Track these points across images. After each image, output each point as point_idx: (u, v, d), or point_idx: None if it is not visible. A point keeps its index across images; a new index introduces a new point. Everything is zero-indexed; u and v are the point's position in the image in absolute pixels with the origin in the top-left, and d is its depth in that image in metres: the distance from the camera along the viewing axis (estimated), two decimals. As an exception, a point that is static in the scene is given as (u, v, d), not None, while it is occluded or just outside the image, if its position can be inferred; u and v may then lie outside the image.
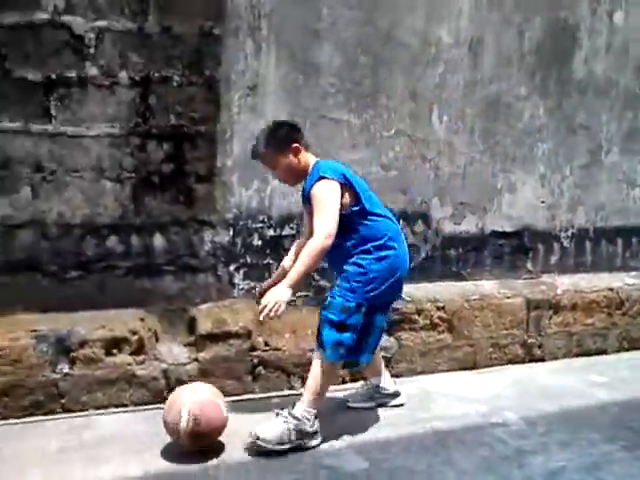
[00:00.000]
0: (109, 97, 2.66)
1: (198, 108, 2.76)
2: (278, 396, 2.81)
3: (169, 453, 2.26)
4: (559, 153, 3.65)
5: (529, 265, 3.65)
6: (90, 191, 2.71)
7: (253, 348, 2.81)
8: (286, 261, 2.54)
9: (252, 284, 2.91)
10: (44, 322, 2.63)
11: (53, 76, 2.56)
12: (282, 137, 2.36)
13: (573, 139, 3.68)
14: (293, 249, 2.55)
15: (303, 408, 2.33)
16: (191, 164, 2.77)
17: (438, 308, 3.24)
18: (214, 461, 2.23)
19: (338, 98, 3.02)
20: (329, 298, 2.35)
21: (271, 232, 2.96)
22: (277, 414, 2.34)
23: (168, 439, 2.29)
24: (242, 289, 2.91)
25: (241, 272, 2.91)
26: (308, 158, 2.40)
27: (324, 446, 2.38)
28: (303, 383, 2.84)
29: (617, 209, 3.88)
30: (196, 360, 2.71)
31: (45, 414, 2.54)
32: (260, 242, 2.94)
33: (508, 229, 3.56)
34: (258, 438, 2.25)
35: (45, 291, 2.71)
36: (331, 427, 2.48)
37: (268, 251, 2.96)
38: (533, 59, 3.50)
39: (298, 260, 2.26)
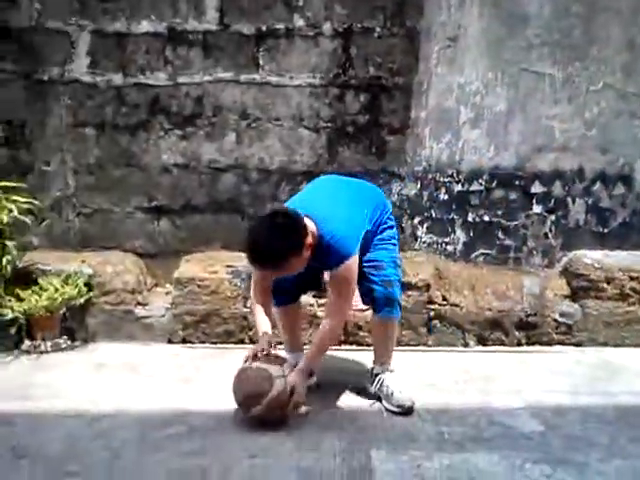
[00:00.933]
0: (312, 48, 2.80)
1: (397, 59, 2.80)
2: (452, 351, 2.90)
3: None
4: None
5: None
6: (289, 139, 2.91)
7: (431, 301, 2.90)
8: (263, 324, 2.20)
9: (435, 238, 2.97)
10: (240, 259, 2.92)
11: (264, 28, 2.74)
12: (295, 238, 1.95)
13: None
14: (260, 309, 2.21)
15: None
16: (386, 116, 2.85)
17: (631, 278, 3.07)
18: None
19: (543, 50, 2.89)
20: (379, 262, 2.19)
21: (459, 187, 2.97)
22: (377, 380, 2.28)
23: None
24: (424, 242, 2.99)
25: (424, 225, 2.98)
26: (309, 229, 2.00)
27: (498, 404, 2.44)
28: (479, 341, 2.92)
29: None
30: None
31: (235, 343, 2.87)
32: (447, 196, 2.97)
33: None
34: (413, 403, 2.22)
35: (243, 231, 3.00)
36: (507, 385, 2.52)
37: (454, 206, 2.99)
38: None
39: (316, 344, 2.13)
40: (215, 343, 2.87)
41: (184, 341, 2.87)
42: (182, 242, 3.06)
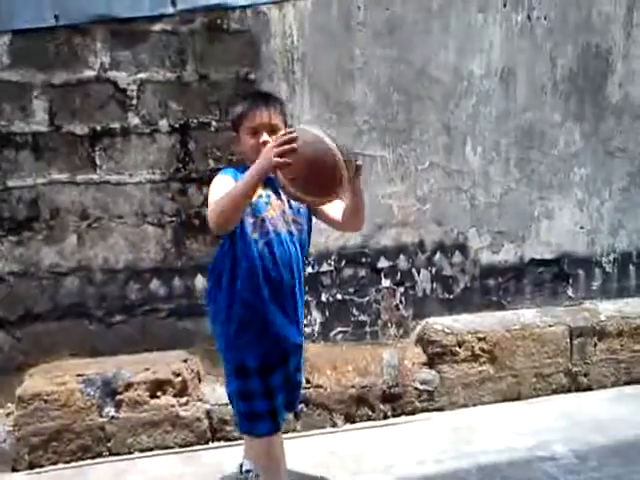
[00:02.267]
0: (150, 145, 2.86)
1: (236, 152, 2.92)
2: (321, 434, 2.93)
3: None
4: (597, 178, 3.72)
5: (570, 292, 3.71)
6: (133, 236, 2.90)
7: (296, 386, 2.93)
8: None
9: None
10: (91, 366, 2.80)
11: (98, 128, 2.77)
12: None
13: (611, 163, 3.75)
14: None
15: None
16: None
17: (479, 339, 3.32)
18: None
19: (372, 135, 3.17)
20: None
21: (310, 269, 3.08)
22: None
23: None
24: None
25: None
26: None
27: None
28: (347, 420, 2.98)
29: (664, 231, 3.92)
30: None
31: (92, 458, 2.70)
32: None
33: (547, 256, 3.64)
34: None
35: (91, 336, 2.89)
36: (376, 462, 2.58)
37: (307, 288, 3.08)
38: (566, 86, 3.59)
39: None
40: (69, 462, 2.68)
41: (32, 466, 2.65)
42: (25, 355, 2.88)
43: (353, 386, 2.98)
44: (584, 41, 3.60)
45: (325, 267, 3.08)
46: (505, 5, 3.42)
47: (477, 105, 3.39)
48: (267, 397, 2.01)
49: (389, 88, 3.17)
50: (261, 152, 1.79)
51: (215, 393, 2.84)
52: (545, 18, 3.52)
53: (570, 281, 3.72)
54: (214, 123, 2.92)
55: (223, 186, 1.91)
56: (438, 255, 3.36)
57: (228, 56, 2.90)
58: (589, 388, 3.60)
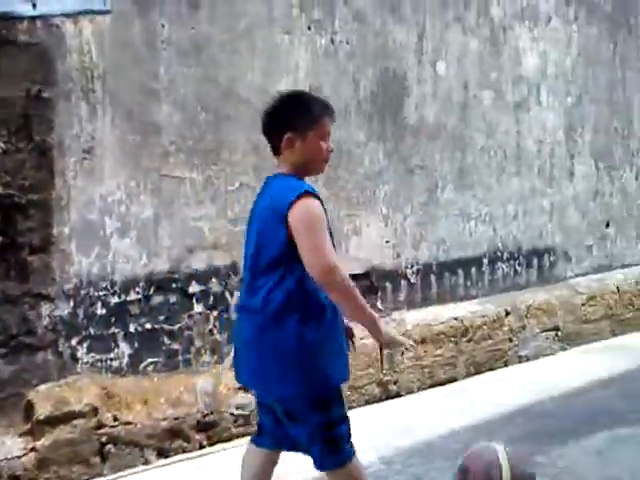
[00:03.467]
0: None
1: (29, 175, 2.71)
2: (131, 474, 2.82)
3: None
4: (399, 194, 4.02)
5: (379, 304, 3.96)
6: None
7: (101, 425, 2.80)
8: None
9: (97, 357, 2.89)
10: None
11: None
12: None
13: (411, 180, 4.07)
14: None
15: None
16: (24, 235, 2.71)
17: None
18: None
19: (180, 156, 3.12)
20: None
21: (115, 299, 2.96)
22: None
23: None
24: (87, 363, 2.88)
25: (84, 345, 2.88)
26: None
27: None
28: (160, 455, 2.90)
29: (456, 242, 4.32)
30: (33, 450, 2.63)
31: None
32: (104, 311, 2.93)
33: (357, 271, 3.84)
34: None
35: None
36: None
37: (113, 319, 2.96)
38: (369, 106, 3.83)
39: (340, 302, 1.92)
40: None
41: None
42: None
43: (165, 418, 2.91)
44: (382, 65, 3.87)
45: (132, 295, 2.97)
46: (310, 28, 3.56)
47: (285, 126, 3.48)
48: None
49: (196, 108, 3.15)
50: (325, 158, 2.08)
51: (4, 446, 2.60)
52: (347, 42, 3.72)
53: (379, 294, 3.97)
54: (2, 145, 2.68)
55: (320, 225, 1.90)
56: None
57: (16, 71, 2.68)
58: (398, 395, 3.87)
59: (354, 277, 3.77)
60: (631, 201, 5.46)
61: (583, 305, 4.96)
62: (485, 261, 4.47)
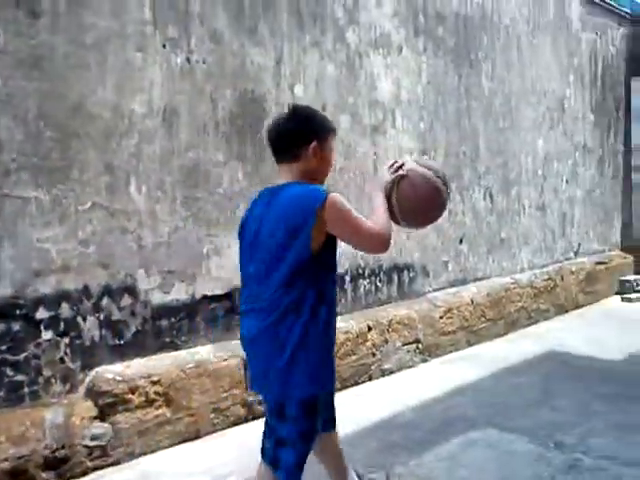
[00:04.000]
0: None
1: None
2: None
3: None
4: (261, 214, 4.02)
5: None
6: None
7: None
8: None
9: None
10: None
11: None
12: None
13: (272, 200, 4.09)
14: None
15: None
16: None
17: (153, 383, 3.30)
18: None
19: (22, 174, 2.94)
20: None
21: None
22: None
23: None
24: None
25: None
26: None
27: None
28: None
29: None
30: None
31: None
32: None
33: (219, 292, 3.79)
34: None
35: None
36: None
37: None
38: (228, 127, 3.83)
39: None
40: None
41: None
42: None
43: (6, 459, 2.68)
44: (241, 87, 3.90)
45: (-33, 324, 2.75)
46: (164, 46, 3.51)
47: (140, 144, 3.40)
48: None
49: (40, 123, 2.99)
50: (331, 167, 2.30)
51: None
52: (204, 62, 3.71)
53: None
54: None
55: (354, 211, 2.10)
56: (105, 300, 3.26)
57: None
58: (263, 415, 3.83)
59: (215, 298, 3.75)
60: (480, 219, 5.85)
61: (441, 318, 5.21)
62: (347, 278, 4.59)
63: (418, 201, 2.26)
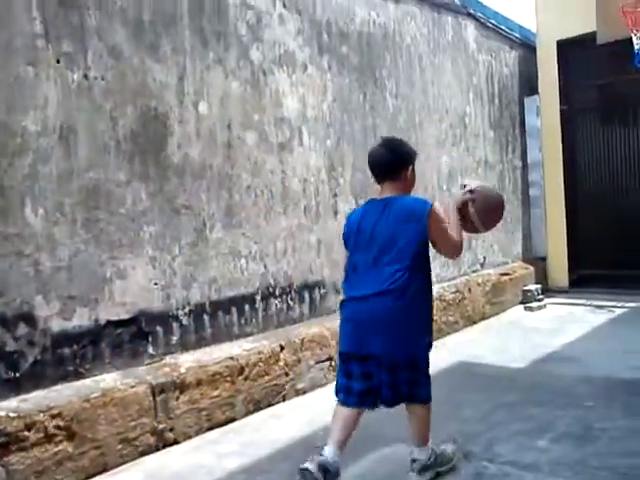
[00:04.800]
0: None
1: None
2: None
3: None
4: (166, 234, 3.94)
5: (151, 349, 3.81)
6: None
7: None
8: None
9: None
10: None
11: None
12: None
13: (178, 220, 4.02)
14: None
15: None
16: None
17: (53, 416, 3.13)
18: None
19: None
20: None
21: None
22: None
23: None
24: None
25: None
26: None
27: None
28: None
29: (228, 281, 4.35)
30: None
31: None
32: None
33: (124, 316, 3.67)
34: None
35: None
36: None
37: None
38: (130, 146, 3.74)
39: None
40: None
41: None
42: None
43: None
44: (143, 104, 3.82)
45: None
46: (59, 61, 3.39)
47: (35, 164, 3.26)
48: None
49: None
50: None
51: None
52: (103, 79, 3.61)
53: (150, 338, 3.82)
54: None
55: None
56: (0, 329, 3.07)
57: None
58: (176, 442, 3.74)
59: (120, 323, 3.63)
60: (389, 235, 5.97)
61: (353, 334, 5.25)
62: (258, 298, 4.56)
63: (492, 210, 3.13)
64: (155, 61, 3.91)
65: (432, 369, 3.10)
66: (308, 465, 2.78)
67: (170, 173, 3.97)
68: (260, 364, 4.32)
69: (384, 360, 2.88)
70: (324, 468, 2.78)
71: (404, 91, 6.26)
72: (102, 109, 3.61)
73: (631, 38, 7.09)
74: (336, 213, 5.33)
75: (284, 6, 4.89)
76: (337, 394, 3.06)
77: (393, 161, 3.01)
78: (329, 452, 2.86)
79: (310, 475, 2.76)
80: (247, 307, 4.48)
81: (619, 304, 7.40)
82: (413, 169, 3.08)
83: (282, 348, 4.52)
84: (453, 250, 3.01)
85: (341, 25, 5.47)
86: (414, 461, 3.07)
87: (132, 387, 3.55)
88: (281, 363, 4.49)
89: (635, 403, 4.09)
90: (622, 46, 7.18)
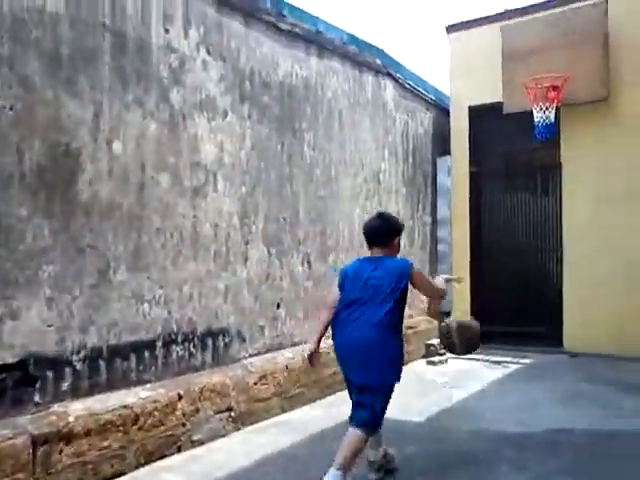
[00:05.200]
0: None
1: None
2: None
3: None
4: (67, 274, 3.79)
5: (37, 397, 3.61)
6: None
7: None
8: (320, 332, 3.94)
9: None
10: None
11: None
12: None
13: (82, 260, 3.88)
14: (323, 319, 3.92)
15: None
16: None
17: None
18: None
19: None
20: None
21: None
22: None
23: None
24: None
25: None
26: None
27: None
28: None
29: (129, 325, 4.20)
30: None
31: None
32: None
33: (10, 360, 3.47)
34: None
35: None
36: None
37: None
38: (35, 180, 3.60)
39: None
40: None
41: None
42: None
43: None
44: (54, 138, 3.70)
45: None
46: (-36, 89, 3.24)
47: None
48: None
49: None
50: None
51: None
52: (11, 109, 3.48)
53: (37, 385, 3.62)
54: None
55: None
56: None
57: None
58: (55, 497, 3.51)
59: (4, 367, 3.42)
60: (298, 284, 6.00)
61: (255, 384, 5.20)
62: (159, 344, 4.43)
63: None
64: (71, 96, 3.81)
65: (333, 425, 3.09)
66: None
67: (77, 211, 3.84)
68: (156, 413, 4.17)
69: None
70: None
71: (322, 144, 6.39)
72: (8, 140, 3.46)
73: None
74: (246, 260, 5.30)
75: (208, 52, 4.91)
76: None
77: (387, 231, 3.84)
78: None
79: None
80: (147, 353, 4.34)
81: (515, 360, 7.72)
82: (400, 238, 3.89)
83: (180, 397, 4.39)
84: (436, 293, 4.07)
85: (264, 75, 5.55)
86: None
87: (10, 439, 3.33)
88: (178, 413, 4.36)
89: (521, 457, 4.26)
90: (527, 117, 7.67)
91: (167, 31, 4.52)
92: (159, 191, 4.45)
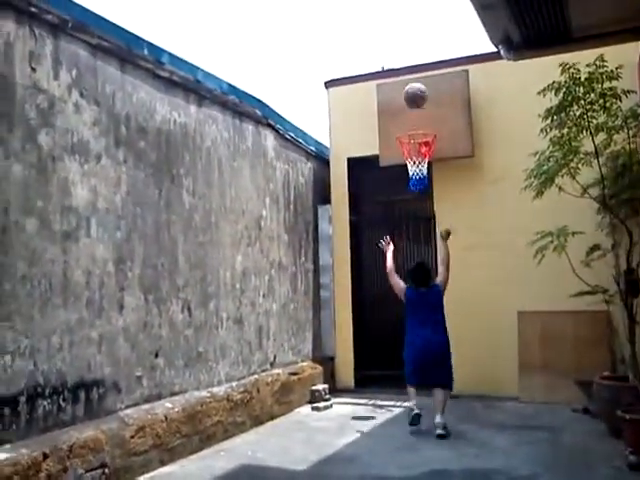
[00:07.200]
0: None
1: None
2: None
3: None
4: None
5: None
6: None
7: None
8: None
9: None
10: None
11: None
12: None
13: None
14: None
15: None
16: None
17: None
18: None
19: None
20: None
21: None
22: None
23: None
24: None
25: None
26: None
27: None
28: None
29: (-12, 379, 3.87)
30: None
31: None
32: None
33: None
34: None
35: None
36: None
37: None
38: None
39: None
40: None
41: None
42: None
43: None
44: None
45: None
46: None
47: None
48: None
49: None
50: None
51: None
52: None
53: None
54: None
55: None
56: None
57: None
58: None
59: None
60: (178, 332, 5.80)
61: (132, 437, 4.91)
62: (22, 399, 4.10)
63: None
64: None
65: (212, 474, 2.95)
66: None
67: None
68: (15, 477, 3.81)
69: None
70: None
71: (202, 190, 6.33)
72: None
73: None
74: (122, 307, 5.08)
75: (81, 95, 4.78)
76: None
77: (426, 274, 6.71)
78: None
79: None
80: (7, 410, 3.99)
81: (398, 403, 7.82)
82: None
83: (45, 456, 4.05)
84: (449, 258, 6.72)
85: (140, 120, 5.46)
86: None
87: None
88: (42, 474, 4.01)
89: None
90: (404, 169, 8.02)
91: (34, 70, 4.36)
92: (24, 236, 4.20)
